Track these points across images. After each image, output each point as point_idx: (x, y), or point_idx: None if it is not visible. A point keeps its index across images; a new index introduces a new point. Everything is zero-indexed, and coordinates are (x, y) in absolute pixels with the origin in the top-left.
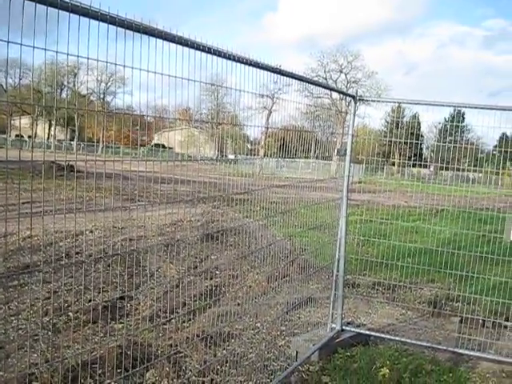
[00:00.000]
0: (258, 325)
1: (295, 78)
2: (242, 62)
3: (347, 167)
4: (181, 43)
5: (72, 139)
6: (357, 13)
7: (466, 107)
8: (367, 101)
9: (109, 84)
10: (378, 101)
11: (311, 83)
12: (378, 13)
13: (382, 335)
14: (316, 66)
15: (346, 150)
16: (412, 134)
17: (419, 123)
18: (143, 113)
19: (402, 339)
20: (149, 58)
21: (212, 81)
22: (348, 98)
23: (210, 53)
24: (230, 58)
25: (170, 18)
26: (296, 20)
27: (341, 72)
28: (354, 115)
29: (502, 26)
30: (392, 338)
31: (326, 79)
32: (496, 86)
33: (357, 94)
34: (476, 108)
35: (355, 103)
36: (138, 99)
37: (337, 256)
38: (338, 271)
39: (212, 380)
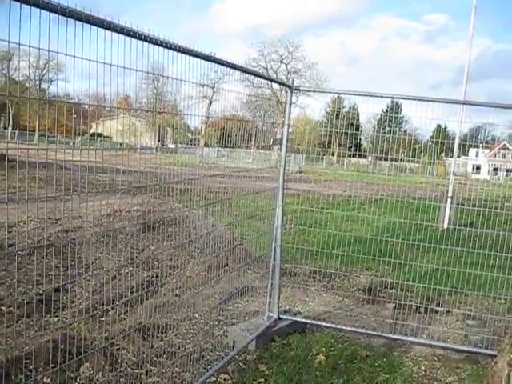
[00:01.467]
0: (196, 315)
1: (229, 67)
2: (174, 50)
3: (283, 157)
4: (117, 31)
5: (5, 127)
6: (303, 4)
7: (402, 98)
8: (303, 91)
9: (44, 71)
10: (314, 91)
11: (246, 72)
12: (324, 4)
13: (319, 323)
14: (257, 55)
15: (281, 140)
16: (351, 124)
17: (358, 114)
18: (80, 101)
19: (338, 326)
20: (96, 46)
21: (152, 69)
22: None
23: (147, 42)
24: (166, 47)
25: (116, 4)
26: (243, 10)
27: (281, 62)
28: (290, 105)
29: (442, 21)
30: (328, 325)
31: (266, 69)
32: (436, 79)
33: (292, 83)
34: (409, 99)
35: (291, 93)
36: (76, 87)
37: (273, 245)
38: (274, 260)
39: (148, 372)
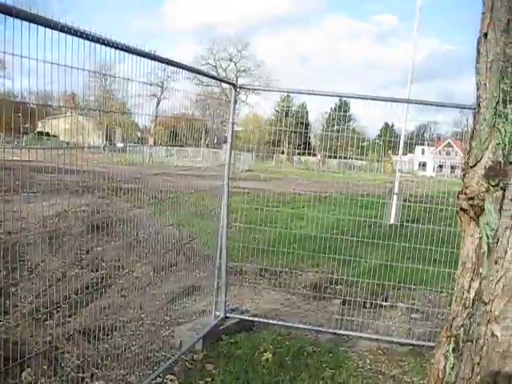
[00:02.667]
0: (143, 316)
1: (169, 64)
2: (112, 47)
3: (228, 155)
4: (62, 31)
5: None
6: (255, 2)
7: (348, 97)
8: (248, 89)
9: None
10: (259, 89)
11: (188, 69)
12: (277, 4)
13: (266, 320)
14: (206, 54)
15: (226, 138)
16: (300, 123)
17: (307, 112)
18: (25, 99)
19: (286, 323)
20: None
21: (100, 68)
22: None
23: (94, 41)
24: (104, 44)
25: (66, 1)
26: (195, 8)
27: (230, 61)
28: (235, 103)
29: (392, 22)
30: (276, 322)
31: (216, 67)
32: (386, 79)
33: (237, 82)
34: (355, 98)
35: (235, 91)
36: (19, 85)
37: (219, 244)
38: (220, 259)
39: (92, 375)
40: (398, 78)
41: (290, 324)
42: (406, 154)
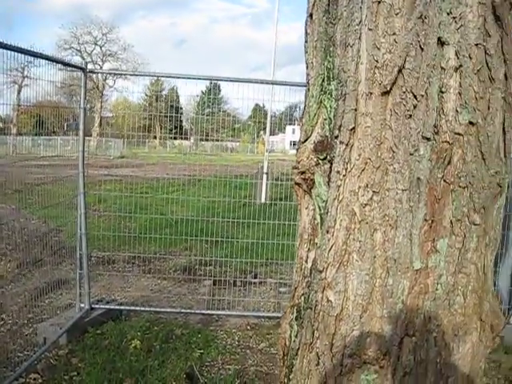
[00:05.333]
0: (4, 316)
1: (6, 49)
2: None
3: (81, 142)
4: None
5: None
6: None
7: (217, 80)
8: (98, 73)
9: None
10: (109, 73)
11: (28, 54)
12: None
13: (134, 308)
14: (69, 37)
15: (77, 125)
16: (172, 106)
17: (178, 96)
18: None
19: (156, 309)
20: None
21: None
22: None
23: None
24: None
25: None
26: None
27: (96, 44)
28: (85, 88)
29: (265, 5)
30: (145, 309)
31: (80, 51)
32: (260, 61)
33: (86, 66)
34: (223, 80)
35: (85, 76)
36: None
37: (79, 234)
38: (81, 249)
39: None
40: (271, 60)
41: (160, 309)
42: (277, 133)
